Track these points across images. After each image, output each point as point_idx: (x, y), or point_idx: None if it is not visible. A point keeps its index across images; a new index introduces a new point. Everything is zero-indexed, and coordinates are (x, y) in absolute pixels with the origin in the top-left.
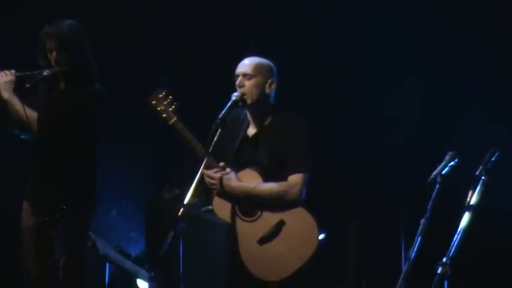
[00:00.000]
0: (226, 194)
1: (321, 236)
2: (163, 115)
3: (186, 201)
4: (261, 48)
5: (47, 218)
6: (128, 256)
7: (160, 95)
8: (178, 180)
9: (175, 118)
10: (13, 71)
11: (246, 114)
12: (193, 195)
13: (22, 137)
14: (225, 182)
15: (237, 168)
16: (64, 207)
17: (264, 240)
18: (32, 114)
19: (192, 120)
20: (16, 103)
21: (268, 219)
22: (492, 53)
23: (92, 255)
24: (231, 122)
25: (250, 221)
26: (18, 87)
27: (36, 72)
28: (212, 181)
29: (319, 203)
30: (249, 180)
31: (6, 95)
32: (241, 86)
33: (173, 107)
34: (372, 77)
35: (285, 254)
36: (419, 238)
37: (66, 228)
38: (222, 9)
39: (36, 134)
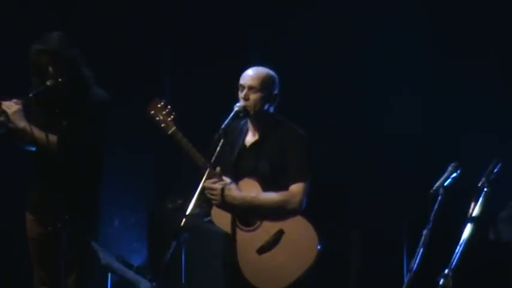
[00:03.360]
0: (226, 204)
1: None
2: (162, 125)
3: (188, 211)
4: (262, 57)
5: (50, 228)
6: (129, 266)
7: (159, 105)
8: (179, 190)
9: (174, 128)
10: (15, 100)
11: (244, 124)
12: (195, 206)
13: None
14: (225, 192)
15: (236, 177)
16: (67, 217)
17: (263, 249)
18: (52, 138)
19: (192, 130)
20: (32, 129)
21: (268, 228)
22: (495, 64)
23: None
24: (230, 132)
25: (249, 231)
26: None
27: (36, 90)
28: (212, 192)
29: (322, 213)
30: (249, 190)
31: (21, 124)
32: (247, 99)
33: (172, 116)
34: (374, 87)
35: (284, 263)
36: (422, 249)
37: (70, 238)
38: (223, 20)
39: (55, 156)
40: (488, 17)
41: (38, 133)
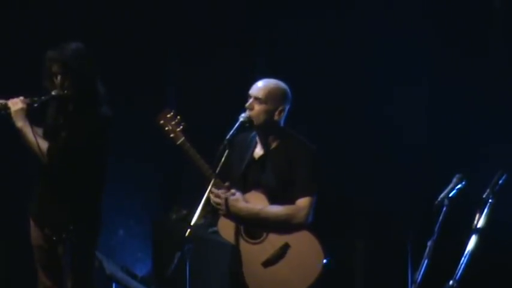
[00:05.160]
0: (232, 215)
1: (324, 261)
2: (171, 135)
3: (193, 222)
4: (269, 66)
5: (54, 238)
6: (134, 276)
7: (169, 115)
8: (185, 200)
9: (183, 138)
10: (22, 98)
11: (254, 136)
12: (200, 216)
13: None
14: (231, 203)
15: (244, 189)
16: (71, 227)
17: (268, 262)
18: (43, 145)
19: (199, 140)
20: (28, 132)
21: (273, 241)
22: (501, 75)
23: (98, 275)
24: (239, 143)
25: (255, 243)
26: (29, 112)
27: (42, 97)
28: (218, 201)
29: (328, 224)
30: (256, 202)
31: (19, 123)
32: (251, 108)
33: (181, 127)
34: (379, 100)
35: (289, 277)
36: (426, 260)
37: (73, 247)
38: (230, 28)
39: (45, 163)
40: (499, 24)
41: (32, 137)
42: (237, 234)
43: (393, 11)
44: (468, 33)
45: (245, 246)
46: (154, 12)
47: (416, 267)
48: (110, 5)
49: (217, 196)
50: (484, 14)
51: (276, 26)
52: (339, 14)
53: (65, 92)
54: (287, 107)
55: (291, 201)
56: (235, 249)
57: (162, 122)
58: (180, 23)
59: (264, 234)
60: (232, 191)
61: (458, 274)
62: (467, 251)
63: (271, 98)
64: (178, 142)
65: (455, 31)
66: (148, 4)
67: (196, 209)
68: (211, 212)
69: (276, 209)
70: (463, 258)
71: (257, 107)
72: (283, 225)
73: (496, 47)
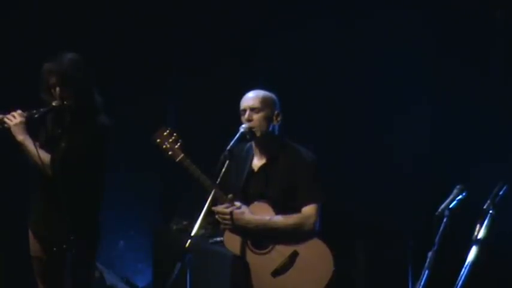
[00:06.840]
0: (239, 228)
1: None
2: (169, 153)
3: (193, 232)
4: (269, 79)
5: (55, 249)
6: (134, 287)
7: (165, 133)
8: (185, 211)
9: (182, 155)
10: (19, 112)
11: (249, 148)
12: (200, 227)
13: None
14: (238, 216)
15: (245, 201)
16: (72, 237)
17: (277, 272)
18: (45, 157)
19: (199, 154)
20: (29, 145)
21: (281, 251)
22: (503, 88)
23: (99, 286)
24: (235, 156)
25: (262, 254)
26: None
27: (41, 109)
28: (224, 216)
29: (328, 235)
30: (262, 213)
31: (20, 137)
32: (250, 120)
33: (179, 143)
34: (381, 110)
35: (299, 285)
36: (427, 271)
37: (74, 258)
38: (231, 42)
39: (48, 175)
40: (501, 37)
41: (33, 149)
42: (244, 245)
43: (394, 28)
44: (469, 46)
45: (253, 258)
46: (156, 26)
47: (417, 278)
48: (111, 18)
49: (221, 212)
50: (485, 27)
51: (276, 41)
52: (341, 32)
53: (65, 103)
54: (281, 113)
55: (294, 210)
56: (242, 261)
57: (158, 140)
58: (183, 36)
59: (271, 245)
60: (237, 204)
61: (459, 285)
62: (468, 262)
63: (267, 104)
64: (178, 159)
65: (456, 43)
66: (150, 18)
67: (197, 219)
68: (212, 223)
69: (284, 219)
70: (463, 269)
71: (256, 116)
72: (293, 234)
73: (497, 60)
